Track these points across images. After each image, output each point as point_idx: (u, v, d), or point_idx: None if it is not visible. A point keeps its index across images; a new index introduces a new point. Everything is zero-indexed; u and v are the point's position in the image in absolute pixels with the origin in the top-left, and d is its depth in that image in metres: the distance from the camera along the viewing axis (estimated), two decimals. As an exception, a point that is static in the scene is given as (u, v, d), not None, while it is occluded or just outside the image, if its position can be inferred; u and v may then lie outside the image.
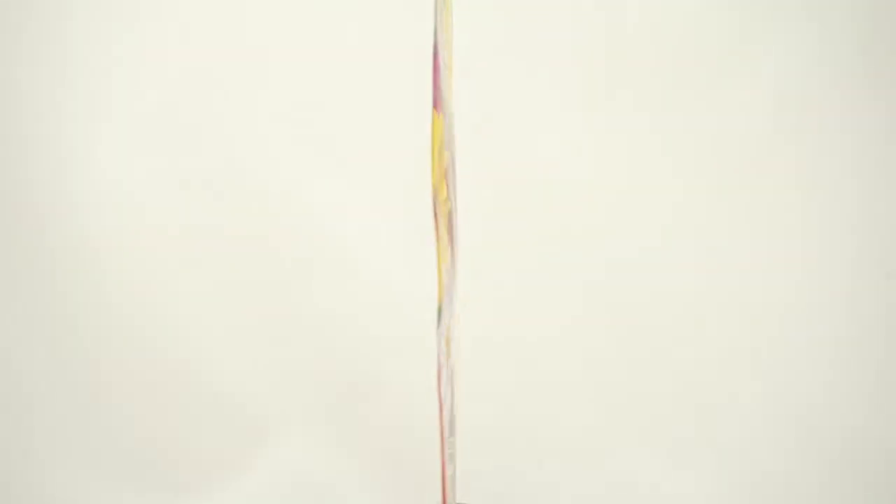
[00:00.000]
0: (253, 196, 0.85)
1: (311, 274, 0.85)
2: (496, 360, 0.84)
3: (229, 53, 0.85)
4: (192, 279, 0.85)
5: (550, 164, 0.87)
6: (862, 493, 0.81)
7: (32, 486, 0.82)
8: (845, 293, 0.85)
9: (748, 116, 0.86)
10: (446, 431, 0.46)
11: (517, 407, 0.85)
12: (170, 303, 0.85)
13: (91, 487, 0.82)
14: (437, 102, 0.45)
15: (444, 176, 0.47)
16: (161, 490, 0.82)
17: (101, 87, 0.85)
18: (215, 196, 0.85)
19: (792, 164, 0.86)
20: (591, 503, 0.83)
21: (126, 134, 0.85)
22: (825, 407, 0.83)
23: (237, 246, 0.85)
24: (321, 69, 0.85)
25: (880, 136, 0.85)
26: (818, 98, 0.86)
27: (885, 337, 0.84)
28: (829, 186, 0.86)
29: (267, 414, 0.84)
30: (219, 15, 0.85)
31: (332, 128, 0.85)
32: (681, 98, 0.86)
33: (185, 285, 0.85)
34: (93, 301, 0.85)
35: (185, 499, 0.82)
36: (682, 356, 0.86)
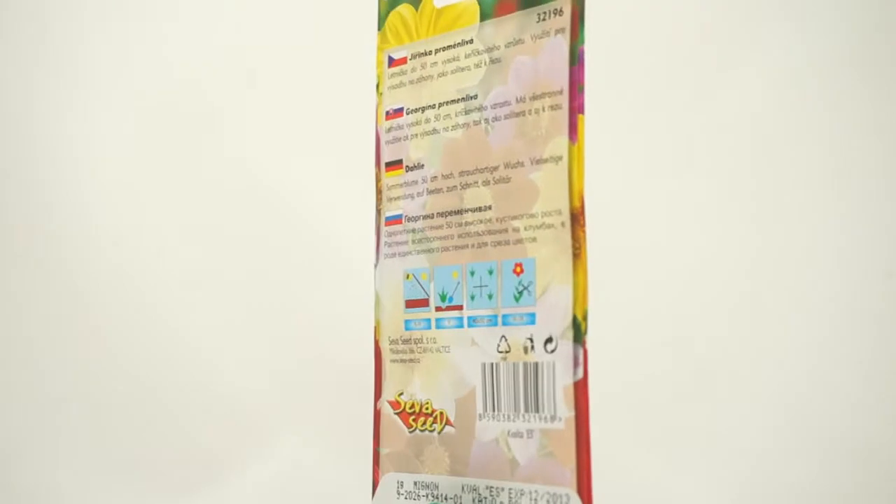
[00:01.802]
0: (253, 196, 0.85)
1: (313, 274, 0.85)
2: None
3: (229, 53, 0.85)
4: (191, 279, 0.84)
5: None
6: (863, 493, 0.81)
7: (31, 485, 0.81)
8: (845, 293, 0.84)
9: (748, 116, 0.85)
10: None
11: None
12: (169, 302, 0.84)
13: (90, 487, 0.81)
14: (581, 108, 0.46)
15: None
16: (161, 490, 0.81)
17: (101, 86, 0.85)
18: (216, 197, 0.84)
19: (791, 163, 0.85)
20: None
21: (126, 134, 0.85)
22: (825, 407, 0.82)
23: (237, 246, 0.84)
24: (322, 69, 0.85)
25: (880, 136, 0.85)
26: (818, 97, 0.86)
27: (886, 337, 0.83)
28: (829, 186, 0.85)
29: (267, 414, 0.83)
30: (219, 15, 0.85)
31: (336, 128, 0.86)
32: (679, 97, 0.86)
33: (184, 285, 0.84)
34: (92, 300, 0.84)
35: (185, 499, 0.81)
36: (682, 358, 0.85)
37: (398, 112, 0.53)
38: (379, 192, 0.54)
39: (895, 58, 0.84)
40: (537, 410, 0.46)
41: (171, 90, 0.86)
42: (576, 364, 0.45)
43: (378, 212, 0.54)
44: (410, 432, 0.52)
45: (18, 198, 0.85)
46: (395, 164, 0.53)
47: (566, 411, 0.45)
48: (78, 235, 0.85)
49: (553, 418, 0.46)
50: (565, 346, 0.46)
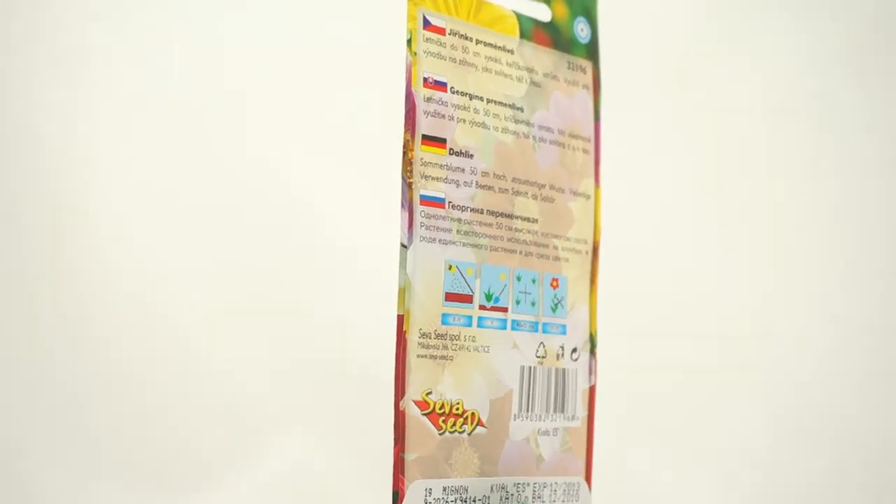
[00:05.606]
0: (252, 196, 0.82)
1: (313, 273, 0.82)
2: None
3: (230, 54, 0.82)
4: (191, 278, 0.81)
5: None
6: (862, 493, 0.81)
7: (30, 485, 0.78)
8: (845, 293, 0.84)
9: (748, 116, 0.85)
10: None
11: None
12: (169, 302, 0.81)
13: (90, 487, 0.78)
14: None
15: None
16: (161, 490, 0.78)
17: (101, 86, 0.82)
18: (215, 196, 0.81)
19: (792, 163, 0.85)
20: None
21: (126, 133, 0.81)
22: (825, 407, 0.83)
23: (238, 245, 0.82)
24: (322, 70, 0.82)
25: (881, 135, 0.85)
26: (818, 97, 0.85)
27: (886, 337, 0.84)
28: (830, 185, 0.85)
29: (267, 414, 0.81)
30: (220, 15, 0.82)
31: (338, 128, 0.84)
32: (680, 97, 0.84)
33: (184, 284, 0.81)
34: (91, 300, 0.80)
35: (185, 499, 0.78)
36: (680, 358, 0.83)
37: (441, 85, 0.48)
38: (409, 162, 0.47)
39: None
40: (563, 411, 0.53)
41: (199, 95, 0.83)
42: (590, 372, 0.54)
43: (409, 185, 0.47)
44: (440, 434, 0.48)
45: (18, 198, 0.80)
46: (436, 141, 0.48)
47: (582, 411, 0.54)
48: (80, 235, 0.81)
49: (574, 417, 0.53)
50: (584, 356, 0.54)
